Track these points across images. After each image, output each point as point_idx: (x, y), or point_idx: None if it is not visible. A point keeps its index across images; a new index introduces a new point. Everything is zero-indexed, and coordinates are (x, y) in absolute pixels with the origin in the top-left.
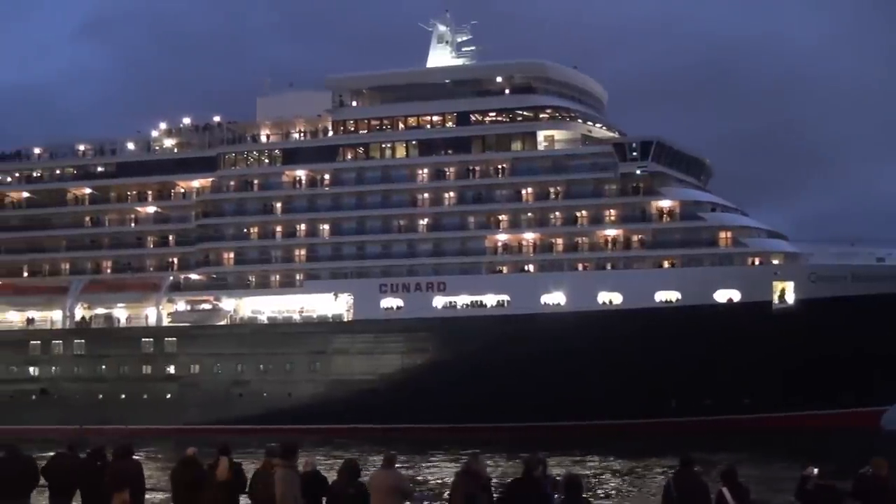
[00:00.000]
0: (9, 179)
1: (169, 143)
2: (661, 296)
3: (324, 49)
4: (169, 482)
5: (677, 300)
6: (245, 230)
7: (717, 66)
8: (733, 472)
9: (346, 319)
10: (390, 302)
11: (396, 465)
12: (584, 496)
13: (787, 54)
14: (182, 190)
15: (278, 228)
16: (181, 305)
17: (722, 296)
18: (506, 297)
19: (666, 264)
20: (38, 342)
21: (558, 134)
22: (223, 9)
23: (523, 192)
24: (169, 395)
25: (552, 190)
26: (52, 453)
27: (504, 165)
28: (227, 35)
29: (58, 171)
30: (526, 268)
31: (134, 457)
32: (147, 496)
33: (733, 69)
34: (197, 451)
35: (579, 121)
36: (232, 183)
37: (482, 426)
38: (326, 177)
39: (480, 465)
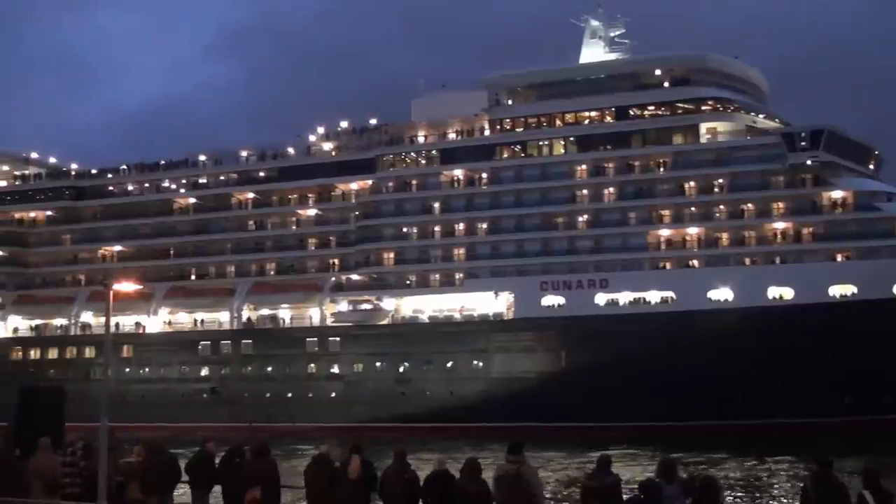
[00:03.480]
0: (174, 186)
1: (327, 146)
2: (836, 290)
3: (446, 53)
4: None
5: (853, 294)
6: (404, 230)
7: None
8: (875, 474)
9: (506, 318)
10: (551, 300)
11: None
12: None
13: None
14: (341, 192)
15: (437, 228)
16: (343, 306)
17: None
18: (670, 294)
19: (839, 257)
20: (208, 343)
21: (721, 126)
22: (345, 19)
23: (686, 185)
24: (334, 394)
25: (716, 183)
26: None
27: (665, 159)
28: (350, 44)
29: (222, 177)
30: (690, 263)
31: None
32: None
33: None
34: (330, 449)
35: (742, 112)
36: (390, 184)
37: (646, 425)
38: (484, 176)
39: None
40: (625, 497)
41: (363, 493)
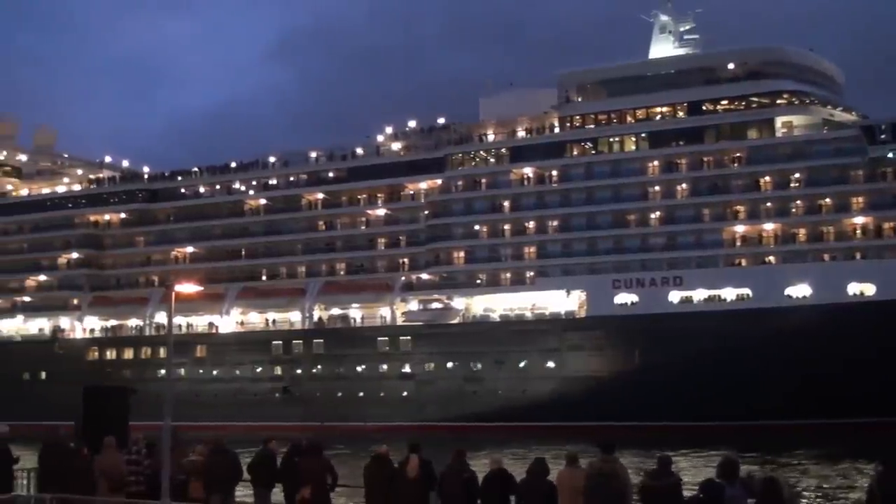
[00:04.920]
0: (244, 188)
1: (396, 146)
2: None
3: (501, 53)
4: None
5: None
6: (474, 229)
7: None
8: None
9: (578, 316)
10: (624, 298)
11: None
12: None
13: None
14: (411, 192)
15: (507, 227)
16: (414, 305)
17: None
18: (746, 291)
19: None
20: (280, 343)
21: (797, 119)
22: (398, 21)
23: (761, 181)
24: (405, 393)
25: (793, 178)
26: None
27: (740, 154)
28: (401, 46)
29: (292, 178)
30: (767, 260)
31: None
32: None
33: None
34: (389, 448)
35: (818, 105)
36: (460, 183)
37: (723, 425)
38: (554, 173)
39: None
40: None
41: (422, 492)
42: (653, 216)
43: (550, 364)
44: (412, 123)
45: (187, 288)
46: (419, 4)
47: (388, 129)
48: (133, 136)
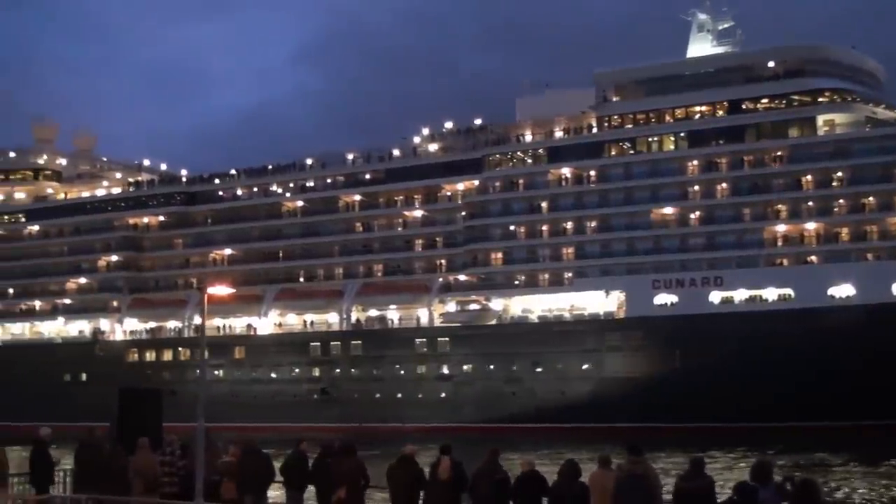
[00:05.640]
0: (281, 190)
1: (433, 147)
2: None
3: (531, 54)
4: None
5: None
6: (512, 230)
7: None
8: None
9: (618, 317)
10: (664, 298)
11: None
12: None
13: None
14: (448, 193)
15: (545, 227)
16: (451, 306)
17: None
18: (788, 291)
19: None
20: (318, 344)
21: (839, 117)
22: (426, 23)
23: (803, 179)
24: (443, 394)
25: (835, 177)
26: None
27: (781, 153)
28: (430, 48)
29: (329, 180)
30: (809, 259)
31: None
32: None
33: None
34: (416, 449)
35: (861, 102)
36: (497, 184)
37: (765, 426)
38: (592, 173)
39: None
40: (720, 500)
41: (453, 494)
42: (692, 216)
43: (589, 365)
44: (449, 124)
45: (220, 290)
46: (449, 6)
47: (425, 131)
48: (166, 139)
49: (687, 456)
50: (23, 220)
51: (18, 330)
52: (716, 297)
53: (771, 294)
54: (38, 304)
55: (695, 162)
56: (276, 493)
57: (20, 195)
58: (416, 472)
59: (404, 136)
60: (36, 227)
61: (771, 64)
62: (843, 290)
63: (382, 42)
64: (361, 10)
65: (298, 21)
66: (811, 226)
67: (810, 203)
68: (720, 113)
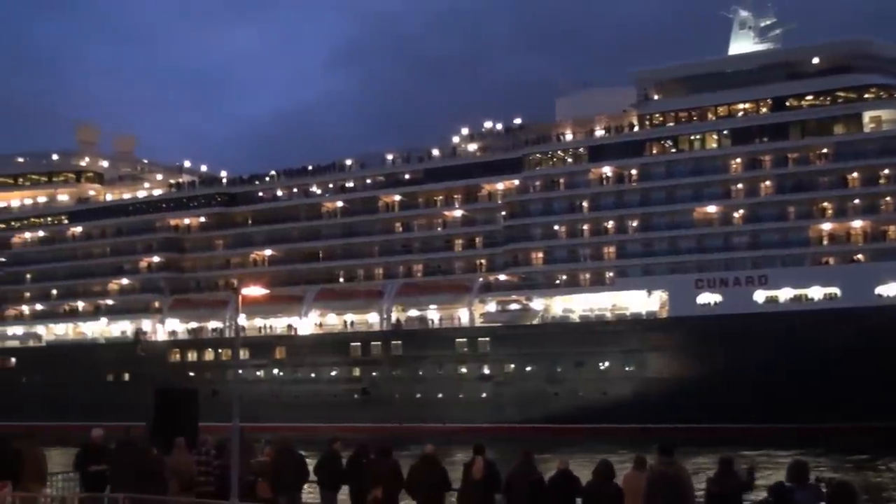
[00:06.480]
0: (321, 191)
1: (472, 147)
2: None
3: (563, 55)
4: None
5: None
6: (552, 229)
7: None
8: None
9: (660, 316)
10: (707, 297)
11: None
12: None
13: None
14: (487, 192)
15: (586, 226)
16: (492, 306)
17: None
18: (835, 290)
19: None
20: (358, 344)
21: (886, 114)
22: (461, 26)
23: (849, 177)
24: (484, 394)
25: (882, 174)
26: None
27: (826, 150)
28: (465, 52)
29: (368, 181)
30: (856, 258)
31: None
32: None
33: None
34: (436, 448)
35: None
36: (537, 183)
37: (808, 427)
38: (634, 172)
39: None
40: (757, 500)
41: (487, 494)
42: (736, 214)
43: (631, 366)
44: (488, 124)
45: (254, 291)
46: (483, 7)
47: (464, 130)
48: (203, 142)
49: (717, 456)
50: (66, 221)
51: (62, 331)
52: (760, 296)
53: (817, 293)
54: (81, 304)
55: (738, 160)
56: (310, 495)
57: (63, 197)
58: (440, 472)
59: (443, 135)
60: (79, 229)
61: (815, 60)
62: (891, 289)
63: (417, 44)
64: (396, 12)
65: (333, 24)
66: (857, 224)
67: (856, 201)
68: (763, 110)
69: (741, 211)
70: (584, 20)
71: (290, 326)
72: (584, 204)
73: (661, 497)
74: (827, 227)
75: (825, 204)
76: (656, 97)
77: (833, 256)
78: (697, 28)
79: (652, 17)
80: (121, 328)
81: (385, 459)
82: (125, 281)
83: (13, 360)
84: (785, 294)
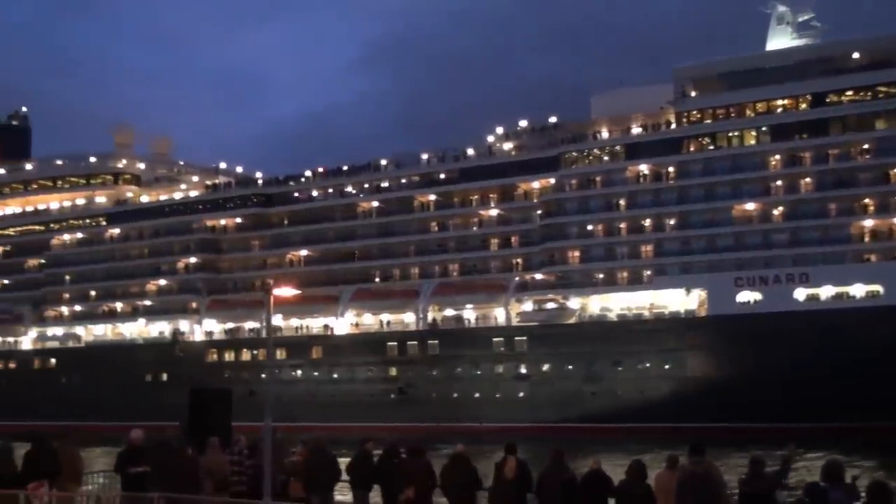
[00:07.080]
0: (357, 191)
1: (507, 146)
2: None
3: (588, 53)
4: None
5: None
6: (589, 228)
7: None
8: None
9: (699, 315)
10: (747, 296)
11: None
12: None
13: None
14: (523, 191)
15: (623, 225)
16: (528, 305)
17: None
18: (877, 288)
19: None
20: (395, 344)
21: None
22: (486, 25)
23: (891, 173)
24: (521, 394)
25: None
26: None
27: (868, 146)
28: (489, 52)
29: (404, 181)
30: None
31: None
32: None
33: None
34: (465, 448)
35: None
36: (574, 181)
37: (851, 426)
38: (671, 169)
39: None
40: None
41: (519, 493)
42: (775, 211)
43: (670, 365)
44: (523, 123)
45: (285, 292)
46: (510, 8)
47: (499, 129)
48: (234, 143)
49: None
50: (104, 223)
51: (101, 331)
52: (801, 294)
53: (859, 290)
54: (119, 305)
55: (777, 156)
56: (346, 494)
57: (101, 199)
58: (471, 472)
59: (478, 135)
60: (116, 230)
61: (855, 55)
62: None
63: (444, 45)
64: (422, 15)
65: (361, 27)
66: None
67: None
68: (803, 106)
69: (781, 208)
70: (613, 17)
71: (326, 326)
72: (621, 202)
73: (691, 496)
74: (869, 223)
75: (867, 200)
76: (693, 94)
77: (875, 253)
78: (733, 25)
79: (686, 13)
80: (158, 329)
81: (418, 459)
82: (163, 282)
83: (53, 360)
84: (826, 292)
